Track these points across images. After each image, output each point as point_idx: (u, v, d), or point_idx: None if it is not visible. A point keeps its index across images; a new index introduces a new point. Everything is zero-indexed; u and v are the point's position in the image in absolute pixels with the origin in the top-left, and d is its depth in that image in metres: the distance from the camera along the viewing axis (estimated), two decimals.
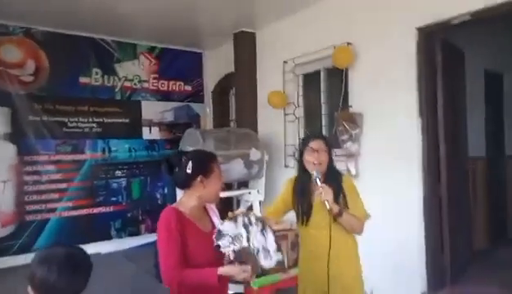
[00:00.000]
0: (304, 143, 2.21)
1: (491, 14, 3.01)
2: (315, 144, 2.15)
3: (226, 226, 1.60)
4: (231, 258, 1.57)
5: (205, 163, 1.80)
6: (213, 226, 1.77)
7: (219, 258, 1.65)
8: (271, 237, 1.61)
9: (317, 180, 2.04)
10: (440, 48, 3.52)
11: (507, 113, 5.19)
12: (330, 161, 2.18)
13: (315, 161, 2.10)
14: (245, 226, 1.60)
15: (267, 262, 1.58)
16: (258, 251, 1.58)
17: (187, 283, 1.63)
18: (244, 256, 1.56)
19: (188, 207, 1.77)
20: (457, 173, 3.77)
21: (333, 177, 2.15)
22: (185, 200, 1.80)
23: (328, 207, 1.99)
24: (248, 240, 1.56)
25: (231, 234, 1.57)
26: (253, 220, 1.61)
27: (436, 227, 3.43)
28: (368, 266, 3.58)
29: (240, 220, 1.60)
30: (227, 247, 1.57)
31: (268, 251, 1.57)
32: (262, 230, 1.60)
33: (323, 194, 1.99)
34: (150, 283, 3.85)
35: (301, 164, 2.20)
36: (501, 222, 4.90)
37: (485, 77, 4.81)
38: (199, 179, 1.76)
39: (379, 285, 3.63)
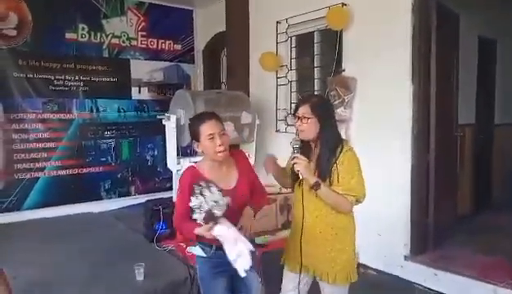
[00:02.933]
0: (294, 108, 2.04)
1: None
2: (300, 110, 1.95)
3: (192, 201, 1.75)
4: (203, 224, 1.75)
5: (192, 129, 1.90)
6: (236, 186, 1.94)
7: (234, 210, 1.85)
8: (214, 190, 1.77)
9: (293, 147, 1.92)
10: (435, 11, 3.45)
11: (499, 80, 5.18)
12: (322, 128, 1.93)
13: (298, 129, 1.96)
14: (201, 194, 1.74)
15: (217, 211, 1.75)
16: (213, 206, 1.74)
17: (183, 232, 1.97)
18: (210, 218, 1.73)
19: (206, 168, 1.92)
20: (446, 140, 3.81)
21: (326, 149, 1.93)
22: (201, 161, 1.99)
23: (301, 177, 1.88)
24: (206, 203, 1.74)
25: (196, 207, 1.74)
26: (203, 185, 1.77)
27: (422, 193, 3.50)
28: None
29: (197, 191, 1.75)
30: (198, 219, 1.76)
31: (217, 202, 1.74)
32: (210, 188, 1.76)
33: (296, 165, 1.87)
34: (139, 241, 3.92)
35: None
36: (486, 188, 5.02)
37: (479, 43, 4.76)
38: (195, 145, 1.91)
39: (364, 248, 3.75)
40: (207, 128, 1.85)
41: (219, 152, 1.84)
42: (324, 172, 1.93)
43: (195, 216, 1.74)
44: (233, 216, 1.84)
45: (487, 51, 4.91)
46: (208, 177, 1.85)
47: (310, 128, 1.93)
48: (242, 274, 1.75)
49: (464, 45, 4.20)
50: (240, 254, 1.75)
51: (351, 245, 2.09)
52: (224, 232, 1.75)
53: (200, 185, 1.75)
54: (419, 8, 3.34)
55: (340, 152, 1.93)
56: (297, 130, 2.02)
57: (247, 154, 4.51)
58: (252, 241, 1.97)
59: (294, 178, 2.01)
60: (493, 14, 4.72)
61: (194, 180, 1.82)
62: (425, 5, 3.38)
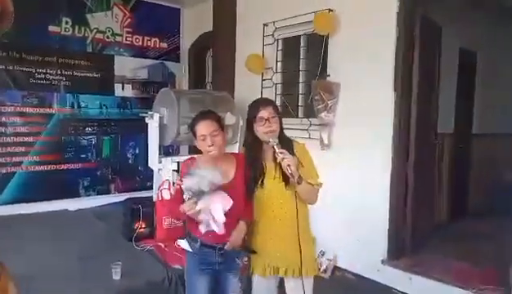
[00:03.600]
0: (253, 111, 2.05)
1: None
2: (265, 112, 2.01)
3: (186, 181, 1.85)
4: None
5: (191, 128, 2.02)
6: (234, 178, 2.00)
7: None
8: (209, 170, 1.86)
9: (275, 146, 1.95)
10: (419, 22, 3.53)
11: (478, 92, 5.32)
12: (281, 128, 2.08)
13: (267, 130, 2.00)
14: (201, 177, 1.82)
15: (206, 187, 1.81)
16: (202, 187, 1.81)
17: (174, 213, 2.15)
18: (197, 197, 1.82)
19: (205, 160, 2.00)
20: (425, 149, 3.89)
21: (285, 144, 2.03)
22: (201, 155, 2.05)
23: (290, 171, 1.90)
24: (197, 183, 1.81)
25: (187, 186, 1.84)
26: (202, 168, 1.87)
27: (400, 200, 3.55)
28: (332, 233, 3.76)
29: (197, 172, 1.84)
30: (186, 198, 1.87)
31: (211, 181, 1.81)
32: (206, 169, 1.86)
33: (285, 160, 1.90)
34: (117, 240, 3.86)
35: (251, 132, 2.07)
36: (463, 197, 5.13)
37: (459, 54, 4.88)
38: (195, 141, 2.03)
39: (342, 252, 3.81)
40: (199, 129, 1.96)
41: (210, 153, 1.94)
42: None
43: (184, 197, 1.86)
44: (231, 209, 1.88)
45: (468, 63, 5.04)
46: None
47: (277, 127, 2.05)
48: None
49: (446, 56, 4.30)
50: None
51: (311, 236, 2.24)
52: (206, 203, 1.81)
53: (200, 168, 1.87)
54: (404, 18, 3.41)
55: (293, 147, 2.09)
56: (252, 133, 2.08)
57: None
58: (241, 248, 2.05)
59: (261, 178, 2.06)
60: (474, 27, 4.85)
61: (191, 168, 1.94)
62: (409, 16, 3.45)
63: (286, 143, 2.07)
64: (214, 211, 1.82)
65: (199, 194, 1.80)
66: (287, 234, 2.06)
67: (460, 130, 5.02)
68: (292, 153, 2.01)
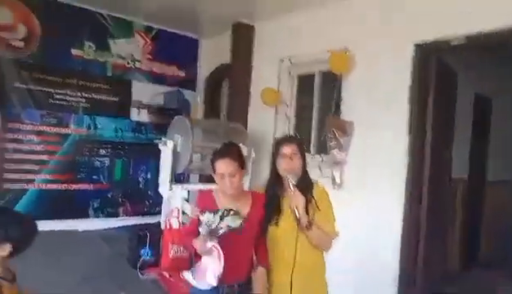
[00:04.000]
0: (277, 147, 2.09)
1: (487, 41, 3.07)
2: (288, 148, 2.04)
3: (204, 216, 1.82)
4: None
5: (211, 161, 2.00)
6: (248, 217, 1.93)
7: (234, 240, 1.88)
8: (234, 217, 1.83)
9: (291, 184, 1.95)
10: (435, 67, 3.57)
11: (492, 138, 5.29)
12: (304, 167, 2.08)
13: (287, 167, 2.01)
14: (221, 217, 1.80)
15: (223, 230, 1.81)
16: (221, 228, 1.80)
17: (186, 244, 2.16)
18: (212, 233, 1.81)
19: (220, 196, 2.01)
20: (438, 193, 3.84)
21: (304, 185, 2.03)
22: (218, 189, 2.04)
23: (297, 215, 1.90)
24: (217, 224, 1.80)
25: (206, 222, 1.81)
26: (227, 212, 1.83)
27: (412, 245, 3.48)
28: (341, 275, 3.65)
29: (219, 212, 1.81)
30: (200, 233, 1.85)
31: (229, 225, 1.81)
32: (233, 215, 1.83)
33: (293, 200, 1.90)
34: (122, 267, 3.83)
35: (273, 168, 2.09)
36: (475, 246, 5.01)
37: (475, 100, 4.89)
38: (213, 174, 2.01)
39: None
40: (219, 166, 1.93)
41: (227, 192, 1.94)
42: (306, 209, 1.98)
43: (199, 230, 1.83)
44: (233, 246, 1.86)
45: (483, 109, 5.03)
46: (218, 205, 1.95)
47: (299, 166, 2.05)
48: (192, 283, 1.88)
49: (461, 100, 4.31)
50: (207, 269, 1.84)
51: (325, 282, 2.16)
52: (219, 251, 1.80)
53: (221, 210, 1.84)
54: (420, 62, 3.44)
55: (313, 188, 2.06)
56: (274, 168, 2.08)
57: None
58: (248, 286, 2.01)
59: (277, 217, 2.03)
60: (490, 74, 4.88)
61: (208, 203, 1.97)
62: (425, 60, 3.48)
63: (307, 183, 2.06)
64: (209, 271, 1.82)
65: (213, 233, 1.80)
66: (300, 278, 2.01)
67: (474, 176, 4.96)
68: (311, 194, 2.00)
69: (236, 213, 1.83)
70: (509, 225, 5.00)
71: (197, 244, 1.84)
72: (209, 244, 1.80)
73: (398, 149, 3.49)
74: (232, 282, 1.95)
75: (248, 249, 1.98)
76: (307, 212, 1.97)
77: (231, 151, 1.99)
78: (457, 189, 4.64)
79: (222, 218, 1.80)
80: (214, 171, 1.97)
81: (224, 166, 1.91)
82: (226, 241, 1.84)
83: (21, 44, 4.77)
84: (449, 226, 4.43)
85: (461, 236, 4.76)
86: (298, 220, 1.91)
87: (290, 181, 1.97)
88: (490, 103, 5.20)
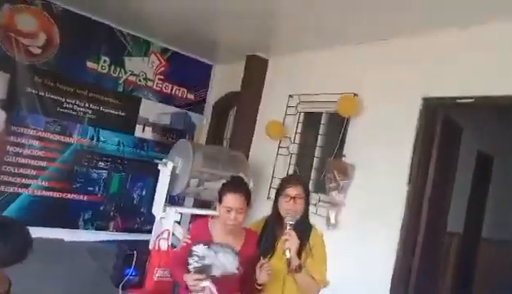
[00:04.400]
0: (282, 186, 2.06)
1: (493, 102, 3.15)
2: (293, 190, 2.00)
3: (198, 248, 1.79)
4: (191, 270, 1.80)
5: (220, 191, 1.99)
6: (239, 252, 1.87)
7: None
8: (232, 256, 1.80)
9: (288, 225, 1.92)
10: (441, 121, 3.59)
11: (491, 196, 5.28)
12: (306, 210, 2.05)
13: (290, 208, 1.98)
14: (215, 252, 1.78)
15: (217, 271, 1.77)
16: (215, 265, 1.77)
17: (174, 273, 2.03)
18: (204, 271, 1.77)
19: (216, 227, 2.00)
20: (433, 246, 3.79)
21: (303, 228, 2.01)
22: (215, 219, 2.04)
23: (288, 256, 1.86)
24: (211, 259, 1.76)
25: (199, 254, 1.77)
26: (222, 248, 1.81)
27: None
28: None
29: (214, 246, 1.79)
30: (192, 265, 1.78)
31: (224, 266, 1.77)
32: (225, 251, 1.80)
33: (288, 242, 1.87)
34: (105, 285, 3.75)
35: (275, 206, 2.06)
36: None
37: (477, 157, 4.92)
38: (217, 204, 2.01)
39: None
40: (228, 200, 1.92)
41: (228, 225, 1.92)
42: (297, 254, 1.94)
43: (190, 261, 1.79)
44: (220, 283, 1.82)
45: (484, 166, 5.05)
46: (213, 236, 1.95)
47: (301, 209, 2.02)
48: None
49: (463, 156, 4.33)
50: None
51: None
52: (213, 292, 1.76)
53: (220, 244, 1.82)
54: (426, 115, 3.48)
55: (310, 234, 2.03)
56: (276, 206, 2.06)
57: None
58: None
59: (268, 257, 1.99)
60: (494, 133, 4.94)
61: (199, 231, 1.97)
62: (432, 114, 3.52)
63: (306, 226, 2.03)
64: None
65: (206, 271, 1.74)
66: None
67: (469, 231, 4.92)
68: (307, 238, 1.98)
69: (233, 250, 1.80)
70: (500, 283, 4.90)
71: (189, 280, 1.79)
72: (204, 283, 1.75)
73: (397, 197, 3.48)
74: None
75: (235, 287, 1.94)
76: (299, 256, 1.94)
77: (242, 186, 2.00)
78: (452, 242, 4.59)
79: (216, 254, 1.77)
80: (220, 202, 1.96)
81: (234, 200, 1.90)
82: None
83: (39, 51, 4.88)
84: (440, 278, 4.35)
85: (452, 289, 4.67)
86: (288, 262, 1.88)
87: (288, 222, 1.94)
88: (491, 161, 5.22)
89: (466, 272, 4.96)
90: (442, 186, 3.84)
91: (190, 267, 1.76)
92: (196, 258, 1.76)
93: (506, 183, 5.26)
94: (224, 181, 2.07)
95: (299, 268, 1.89)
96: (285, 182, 2.10)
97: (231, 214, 1.90)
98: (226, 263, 1.75)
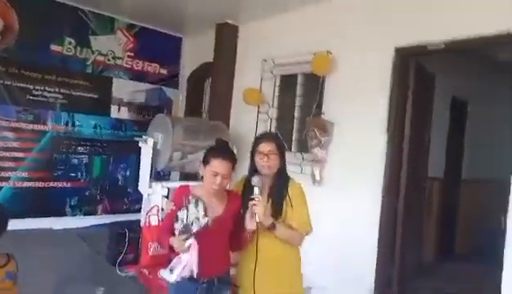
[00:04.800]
0: (255, 144, 2.11)
1: (463, 46, 3.20)
2: (265, 146, 2.06)
3: (180, 213, 1.87)
4: (177, 234, 1.86)
5: (206, 155, 2.00)
6: (223, 213, 1.98)
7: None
8: (201, 208, 1.86)
9: (255, 188, 1.97)
10: (414, 70, 3.66)
11: (467, 139, 5.46)
12: (282, 165, 2.10)
13: (265, 165, 2.04)
14: (187, 208, 1.87)
15: (195, 227, 1.83)
16: (192, 222, 1.84)
17: (162, 243, 2.02)
18: (186, 230, 1.84)
19: (200, 188, 2.01)
20: (415, 191, 3.94)
21: (281, 182, 2.09)
22: (196, 186, 2.07)
23: (257, 220, 1.92)
24: (187, 217, 1.85)
25: (181, 217, 1.85)
26: (192, 200, 1.89)
27: (389, 240, 3.56)
28: (319, 268, 3.72)
29: (185, 204, 1.88)
30: (177, 229, 1.87)
31: (198, 219, 1.83)
32: (197, 205, 1.86)
33: (254, 206, 1.92)
34: (101, 265, 3.78)
35: (252, 164, 2.11)
36: (450, 239, 5.17)
37: (451, 102, 5.04)
38: (200, 167, 2.02)
39: (329, 288, 3.75)
40: (215, 165, 1.93)
41: (213, 188, 1.94)
42: (278, 205, 2.05)
43: (175, 226, 1.85)
44: (210, 241, 1.89)
45: (459, 111, 5.19)
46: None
47: (276, 164, 2.08)
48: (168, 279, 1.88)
49: (438, 102, 4.43)
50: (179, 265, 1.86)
51: (300, 274, 2.20)
52: (194, 248, 1.83)
53: (189, 199, 1.87)
54: (399, 66, 3.52)
55: (288, 185, 2.10)
56: (253, 164, 2.11)
57: None
58: (227, 280, 2.05)
59: (274, 214, 2.05)
60: (467, 77, 5.04)
61: (182, 198, 1.95)
62: (404, 63, 3.56)
63: (282, 181, 2.10)
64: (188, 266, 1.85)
65: (187, 231, 1.82)
66: (273, 270, 2.05)
67: (449, 175, 5.11)
68: (286, 190, 2.06)
69: (198, 201, 1.87)
70: (481, 221, 5.16)
71: (175, 243, 1.84)
72: (188, 243, 1.82)
73: (377, 148, 3.56)
74: (211, 276, 1.96)
75: (223, 244, 2.01)
76: (279, 210, 2.03)
77: (229, 153, 2.02)
78: (433, 187, 4.77)
79: (187, 209, 1.85)
80: (206, 165, 1.97)
81: (221, 166, 1.92)
82: (202, 237, 1.86)
83: None
84: (425, 222, 4.55)
85: (437, 231, 4.91)
86: (258, 225, 1.94)
87: (255, 185, 1.97)
88: (466, 105, 5.36)
89: (449, 212, 5.18)
90: (419, 133, 3.95)
91: (176, 232, 1.84)
92: (180, 222, 1.82)
93: (481, 125, 5.42)
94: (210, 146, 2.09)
95: (273, 227, 1.97)
96: (258, 140, 2.14)
97: (217, 179, 1.92)
98: (204, 222, 1.82)
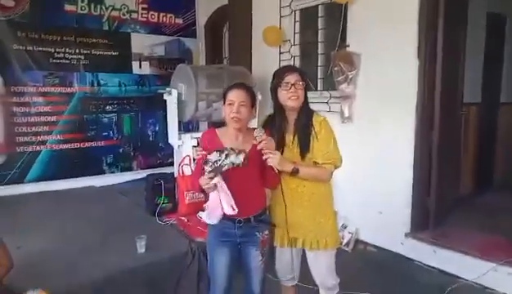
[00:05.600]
0: (279, 76, 2.01)
1: None
2: (291, 77, 1.98)
3: (211, 156, 1.85)
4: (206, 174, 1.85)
5: (223, 94, 2.03)
6: (252, 149, 1.92)
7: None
8: (239, 155, 1.85)
9: (258, 137, 1.88)
10: None
11: (507, 58, 5.07)
12: (305, 97, 2.03)
13: (292, 96, 1.96)
14: (226, 155, 1.84)
15: (226, 166, 1.83)
16: (226, 164, 1.83)
17: (195, 185, 1.98)
18: (217, 169, 1.83)
19: (225, 130, 2.04)
20: (450, 119, 3.75)
21: (305, 116, 2.03)
22: (221, 128, 2.08)
23: (276, 171, 1.88)
24: (218, 160, 1.83)
25: (212, 160, 1.83)
26: (232, 151, 1.86)
27: (424, 172, 3.46)
28: (354, 206, 3.73)
29: (225, 151, 1.85)
30: (205, 169, 1.85)
31: (233, 163, 1.83)
32: (238, 155, 1.85)
33: (269, 159, 1.85)
34: (140, 215, 3.94)
35: (276, 101, 2.04)
36: (489, 169, 4.97)
37: (487, 19, 4.63)
38: (222, 108, 2.03)
39: (364, 225, 3.78)
40: (230, 95, 1.97)
41: (232, 118, 1.93)
42: (305, 140, 2.01)
43: (205, 168, 1.84)
44: (242, 180, 1.91)
45: (496, 28, 4.78)
46: (222, 142, 1.98)
47: (302, 94, 2.01)
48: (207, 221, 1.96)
49: (472, 21, 4.08)
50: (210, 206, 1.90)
51: (333, 210, 2.19)
52: (222, 185, 1.84)
53: (230, 148, 1.86)
54: None
55: (313, 119, 2.04)
56: (277, 101, 2.04)
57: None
58: (264, 220, 2.07)
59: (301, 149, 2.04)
60: None
61: (209, 139, 2.02)
62: None
63: (307, 115, 2.04)
64: (223, 203, 1.87)
65: (217, 170, 1.81)
66: (305, 206, 2.07)
67: (487, 99, 4.82)
68: (311, 125, 2.02)
69: (240, 152, 1.85)
70: None
71: (202, 181, 1.86)
72: (215, 180, 1.83)
73: (408, 77, 3.38)
74: (247, 215, 1.99)
75: (256, 183, 2.02)
76: (305, 146, 2.00)
77: (244, 85, 2.03)
78: (470, 113, 4.53)
79: (227, 156, 1.83)
80: (224, 102, 1.99)
81: (236, 94, 1.95)
82: (235, 178, 1.88)
83: (12, 3, 4.63)
84: (462, 152, 4.39)
85: (475, 161, 4.72)
86: (279, 172, 1.91)
87: (260, 136, 1.87)
88: (504, 21, 4.92)
89: (488, 140, 4.95)
90: (453, 55, 3.68)
91: (205, 172, 1.84)
92: (210, 163, 1.83)
93: None
94: None
95: (296, 171, 1.95)
96: (281, 72, 2.05)
97: (233, 106, 1.93)
98: (234, 159, 1.82)
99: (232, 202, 1.86)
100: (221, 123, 4.77)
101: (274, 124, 2.06)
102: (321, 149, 2.00)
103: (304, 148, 2.01)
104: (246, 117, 1.97)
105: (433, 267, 3.27)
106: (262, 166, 1.97)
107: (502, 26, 4.96)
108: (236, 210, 1.87)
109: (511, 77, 5.12)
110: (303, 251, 2.20)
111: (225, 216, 1.94)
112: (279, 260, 2.25)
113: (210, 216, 1.94)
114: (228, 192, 1.86)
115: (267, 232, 2.08)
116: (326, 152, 2.01)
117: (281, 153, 1.98)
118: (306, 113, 2.04)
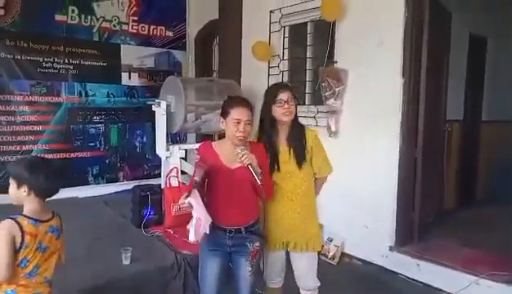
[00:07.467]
0: (273, 94, 2.17)
1: None
2: (284, 95, 2.14)
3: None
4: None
5: (225, 107, 2.04)
6: (242, 167, 1.98)
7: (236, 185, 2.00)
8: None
9: (240, 152, 1.96)
10: (428, 7, 3.47)
11: (488, 77, 5.25)
12: (296, 112, 2.20)
13: (286, 111, 2.12)
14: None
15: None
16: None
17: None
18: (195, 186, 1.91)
19: (222, 143, 2.10)
20: (434, 135, 3.86)
21: (298, 129, 2.21)
22: (219, 140, 2.17)
23: (258, 182, 1.95)
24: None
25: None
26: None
27: (409, 187, 3.54)
28: (339, 220, 3.77)
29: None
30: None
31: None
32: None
33: (244, 159, 1.94)
34: (126, 226, 3.90)
35: (269, 115, 2.16)
36: (471, 184, 5.10)
37: (469, 40, 4.81)
38: (221, 121, 2.05)
39: (350, 238, 3.81)
40: (237, 113, 1.97)
41: (238, 137, 1.96)
42: (300, 150, 2.18)
43: (196, 178, 1.92)
44: (235, 191, 2.00)
45: (478, 49, 4.96)
46: (219, 154, 2.03)
47: (294, 110, 2.18)
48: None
49: (456, 41, 4.24)
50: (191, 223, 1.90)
51: (317, 217, 2.37)
52: (193, 203, 1.86)
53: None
54: (413, 4, 3.36)
55: (304, 132, 2.24)
56: (269, 117, 2.17)
57: None
58: (255, 232, 2.09)
59: (277, 163, 2.20)
60: (485, 12, 4.76)
61: (206, 151, 2.06)
62: (418, 1, 3.39)
63: (299, 129, 2.21)
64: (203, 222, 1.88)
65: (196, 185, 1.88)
66: (299, 213, 2.22)
67: (469, 117, 4.97)
68: (304, 138, 2.19)
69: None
70: (503, 163, 5.05)
71: (179, 201, 1.90)
72: (187, 199, 1.85)
73: (393, 94, 3.47)
74: (239, 225, 2.02)
75: (250, 193, 2.04)
76: (301, 156, 2.19)
77: (247, 102, 2.06)
78: (453, 130, 4.66)
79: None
80: (227, 116, 1.99)
81: (243, 113, 1.96)
82: (230, 188, 1.97)
83: (1, 12, 4.61)
84: (445, 167, 4.49)
85: (457, 176, 4.84)
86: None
87: (240, 151, 1.95)
88: (485, 42, 5.11)
89: (470, 156, 5.08)
90: (436, 74, 3.81)
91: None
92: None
93: (501, 63, 5.18)
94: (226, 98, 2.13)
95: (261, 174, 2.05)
96: (275, 90, 2.21)
97: (241, 126, 1.95)
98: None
99: (203, 222, 1.87)
100: (209, 136, 4.81)
101: (268, 138, 2.18)
102: (321, 161, 2.27)
103: (301, 159, 2.18)
104: (250, 132, 2.03)
105: (417, 280, 3.31)
106: (252, 179, 1.98)
107: (483, 47, 5.14)
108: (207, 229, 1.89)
109: (492, 96, 5.28)
110: (288, 254, 2.33)
111: (215, 226, 1.96)
112: (270, 265, 2.31)
113: (195, 233, 1.91)
114: (201, 212, 1.87)
115: (257, 243, 2.09)
116: (319, 163, 2.27)
117: (278, 164, 2.16)
118: (297, 127, 2.21)
